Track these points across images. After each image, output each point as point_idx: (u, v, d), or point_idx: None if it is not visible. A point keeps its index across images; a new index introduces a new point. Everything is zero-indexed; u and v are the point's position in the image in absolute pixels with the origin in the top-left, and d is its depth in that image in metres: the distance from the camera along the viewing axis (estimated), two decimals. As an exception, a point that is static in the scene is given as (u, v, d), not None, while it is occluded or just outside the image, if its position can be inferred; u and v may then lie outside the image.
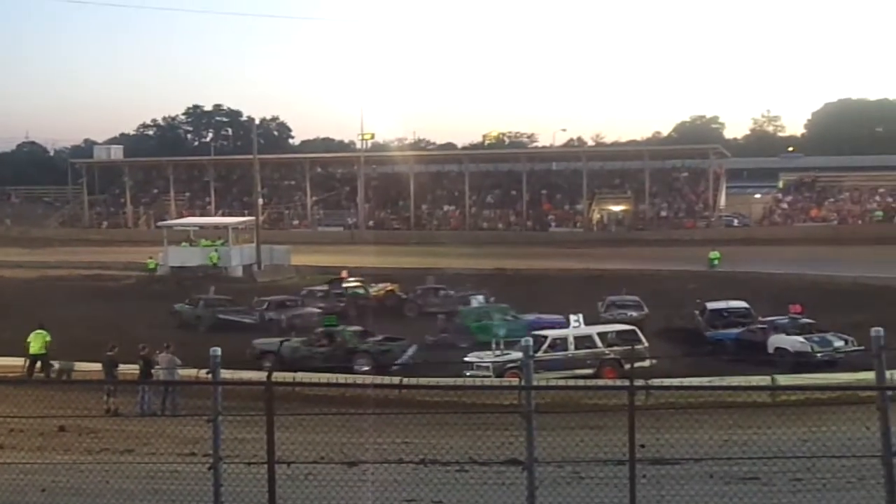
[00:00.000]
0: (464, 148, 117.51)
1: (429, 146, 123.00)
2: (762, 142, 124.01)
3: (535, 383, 12.17)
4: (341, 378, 20.17)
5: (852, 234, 66.23)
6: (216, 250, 55.24)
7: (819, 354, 26.84)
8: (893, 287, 40.90)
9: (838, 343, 27.37)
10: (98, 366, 23.35)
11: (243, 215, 69.33)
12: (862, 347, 24.95)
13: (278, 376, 17.06)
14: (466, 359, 27.09)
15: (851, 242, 60.07)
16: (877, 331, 9.64)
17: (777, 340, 28.25)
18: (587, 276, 45.58)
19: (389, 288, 43.31)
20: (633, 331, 28.57)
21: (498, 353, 26.78)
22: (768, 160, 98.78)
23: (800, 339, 27.85)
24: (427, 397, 18.77)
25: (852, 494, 9.69)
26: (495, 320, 32.56)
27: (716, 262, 51.86)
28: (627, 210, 79.01)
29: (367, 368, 27.38)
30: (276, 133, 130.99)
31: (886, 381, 9.67)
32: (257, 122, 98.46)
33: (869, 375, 9.77)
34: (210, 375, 10.68)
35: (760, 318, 31.04)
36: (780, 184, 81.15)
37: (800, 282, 42.42)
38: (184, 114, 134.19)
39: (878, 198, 74.25)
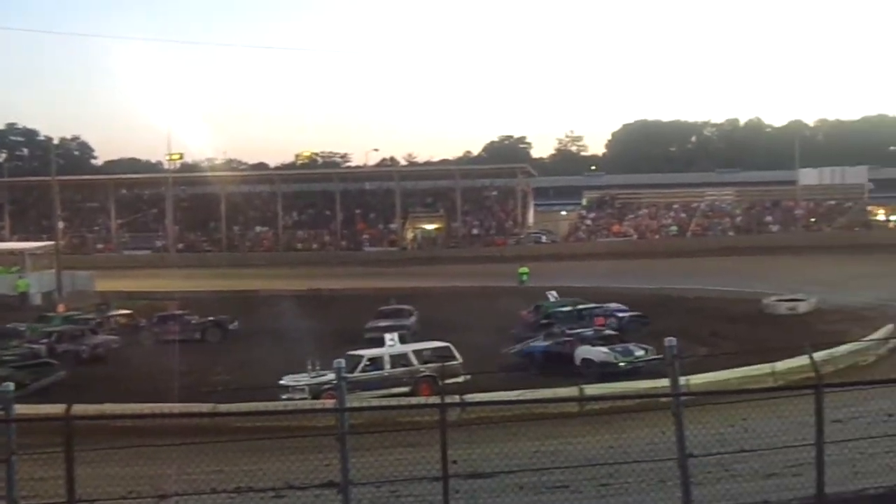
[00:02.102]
0: (276, 168, 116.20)
1: (240, 166, 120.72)
2: (566, 161, 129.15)
3: (351, 404, 12.16)
4: (146, 408, 19.47)
5: (650, 247, 69.77)
6: (22, 276, 52.19)
7: (622, 364, 28.11)
8: (689, 297, 43.53)
9: (639, 353, 28.74)
10: None
11: (42, 240, 65.70)
12: (660, 356, 26.29)
13: (79, 409, 16.22)
14: (282, 382, 26.74)
15: (650, 256, 63.35)
16: (669, 340, 10.19)
17: (583, 352, 29.38)
18: (400, 295, 45.92)
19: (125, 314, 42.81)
20: (447, 347, 28.96)
21: (314, 374, 26.58)
22: (572, 178, 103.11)
23: (604, 349, 29.09)
24: (241, 423, 18.35)
25: (652, 496, 10.15)
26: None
27: (525, 277, 53.33)
28: (440, 228, 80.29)
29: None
30: (77, 153, 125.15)
31: (680, 388, 10.26)
32: (56, 141, 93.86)
33: (667, 382, 10.31)
34: (3, 412, 10.04)
35: (567, 331, 32.19)
36: (584, 201, 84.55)
37: (604, 294, 44.17)
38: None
39: (672, 213, 78.66)
